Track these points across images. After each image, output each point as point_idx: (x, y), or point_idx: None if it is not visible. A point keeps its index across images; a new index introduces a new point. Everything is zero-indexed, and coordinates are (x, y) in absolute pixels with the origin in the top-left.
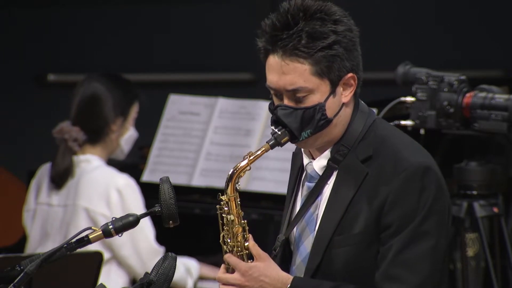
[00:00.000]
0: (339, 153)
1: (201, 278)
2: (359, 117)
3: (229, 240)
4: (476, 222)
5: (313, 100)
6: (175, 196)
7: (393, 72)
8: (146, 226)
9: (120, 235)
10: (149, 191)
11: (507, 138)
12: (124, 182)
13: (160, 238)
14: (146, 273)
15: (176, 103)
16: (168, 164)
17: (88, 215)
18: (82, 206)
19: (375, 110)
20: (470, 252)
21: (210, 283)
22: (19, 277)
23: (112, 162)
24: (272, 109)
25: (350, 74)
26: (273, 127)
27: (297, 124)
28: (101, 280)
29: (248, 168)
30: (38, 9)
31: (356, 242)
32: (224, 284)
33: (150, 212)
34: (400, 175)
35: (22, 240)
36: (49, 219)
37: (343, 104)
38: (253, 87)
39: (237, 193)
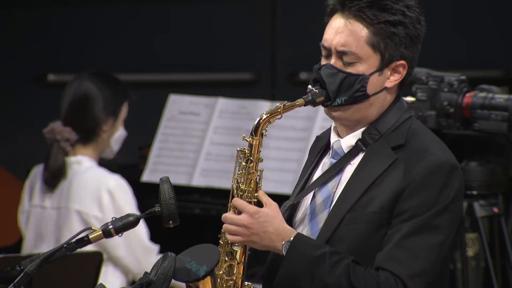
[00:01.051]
0: (370, 136)
1: None
2: (396, 108)
3: (241, 185)
4: (476, 222)
5: (358, 69)
6: (175, 196)
7: None
8: (138, 225)
9: (120, 235)
10: (149, 191)
11: (507, 138)
12: (115, 183)
13: (160, 238)
14: (146, 273)
15: (176, 103)
16: (168, 164)
17: (81, 217)
18: (74, 209)
19: None
20: (470, 252)
21: None
22: (19, 277)
23: (112, 162)
24: (317, 68)
25: (402, 61)
26: (310, 86)
27: (335, 86)
28: (98, 281)
29: (279, 116)
30: (38, 9)
31: (368, 220)
32: (228, 223)
33: (150, 212)
34: (427, 165)
35: (22, 240)
36: (43, 221)
37: (385, 88)
38: (253, 87)
39: (262, 138)
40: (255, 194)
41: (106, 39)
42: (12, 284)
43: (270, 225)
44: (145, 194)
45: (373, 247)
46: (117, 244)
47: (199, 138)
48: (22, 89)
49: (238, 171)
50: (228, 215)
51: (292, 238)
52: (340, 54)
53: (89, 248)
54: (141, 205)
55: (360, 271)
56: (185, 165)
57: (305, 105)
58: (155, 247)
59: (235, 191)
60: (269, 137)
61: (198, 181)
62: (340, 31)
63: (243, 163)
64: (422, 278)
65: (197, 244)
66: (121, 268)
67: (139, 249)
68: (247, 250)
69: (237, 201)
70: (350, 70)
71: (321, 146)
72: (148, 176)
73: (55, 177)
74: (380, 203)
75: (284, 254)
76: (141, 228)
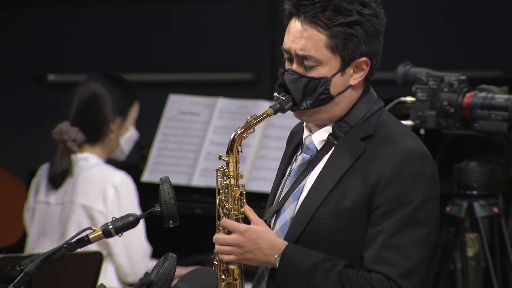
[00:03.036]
0: (340, 129)
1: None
2: (365, 101)
3: (226, 204)
4: (476, 222)
5: (320, 72)
6: (175, 196)
7: (393, 72)
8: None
9: (120, 235)
10: (149, 191)
11: (507, 138)
12: (121, 179)
13: (160, 238)
14: (147, 273)
15: (176, 103)
16: (168, 164)
17: (86, 212)
18: (79, 203)
19: None
20: (470, 252)
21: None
22: (19, 277)
23: (111, 162)
24: (281, 73)
25: (364, 58)
26: (276, 94)
27: (299, 92)
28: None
29: (251, 130)
30: (38, 9)
31: (345, 215)
32: (221, 244)
33: (150, 212)
34: (399, 156)
35: (22, 240)
36: (47, 217)
37: (350, 86)
38: (253, 87)
39: (238, 155)
40: (241, 210)
41: (106, 39)
42: (12, 284)
43: (262, 241)
44: (145, 194)
45: (353, 241)
46: (116, 241)
47: (199, 138)
48: (22, 89)
49: (220, 190)
50: (220, 236)
51: (282, 252)
52: (301, 58)
53: (89, 247)
54: (141, 205)
55: (353, 275)
56: (185, 165)
57: (274, 114)
58: (149, 249)
59: (220, 210)
60: (269, 137)
61: (198, 181)
62: (298, 35)
63: (224, 182)
64: (415, 275)
65: (196, 243)
66: (115, 265)
67: (137, 249)
68: (242, 266)
69: (226, 222)
70: (312, 74)
71: (297, 142)
72: (148, 176)
73: (60, 176)
74: (354, 197)
75: (277, 266)
76: (141, 228)
